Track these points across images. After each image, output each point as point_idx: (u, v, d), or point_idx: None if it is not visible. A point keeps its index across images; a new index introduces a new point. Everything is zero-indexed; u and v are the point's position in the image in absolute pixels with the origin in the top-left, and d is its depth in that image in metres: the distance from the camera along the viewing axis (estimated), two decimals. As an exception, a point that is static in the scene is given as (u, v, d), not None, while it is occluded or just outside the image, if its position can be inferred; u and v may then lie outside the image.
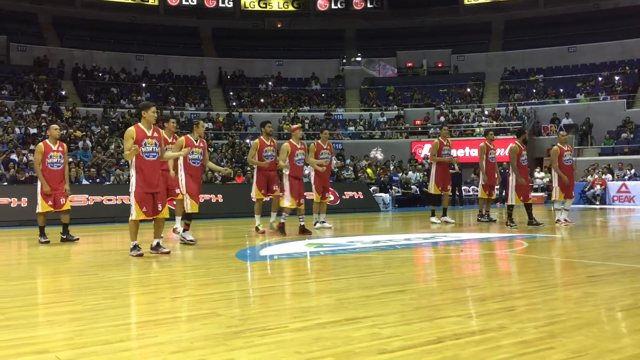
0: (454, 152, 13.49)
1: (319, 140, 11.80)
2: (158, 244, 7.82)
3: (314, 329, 3.82)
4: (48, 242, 9.56)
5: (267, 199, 11.22)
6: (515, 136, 12.68)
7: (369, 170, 23.44)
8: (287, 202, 10.57)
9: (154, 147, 7.50)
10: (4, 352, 3.40)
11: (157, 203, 7.56)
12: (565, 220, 11.97)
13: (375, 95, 34.10)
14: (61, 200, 9.68)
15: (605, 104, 29.40)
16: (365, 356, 3.23)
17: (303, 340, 3.55)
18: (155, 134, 7.57)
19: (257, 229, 10.98)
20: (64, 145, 10.02)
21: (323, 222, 11.92)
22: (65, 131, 19.85)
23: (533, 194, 23.83)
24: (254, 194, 10.92)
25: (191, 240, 9.00)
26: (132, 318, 4.42)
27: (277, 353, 3.31)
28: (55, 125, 10.17)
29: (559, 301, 4.72)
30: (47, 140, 9.79)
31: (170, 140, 9.10)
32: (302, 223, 10.62)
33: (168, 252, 7.77)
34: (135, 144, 7.37)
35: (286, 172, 10.59)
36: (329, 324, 3.93)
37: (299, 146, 10.70)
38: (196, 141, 9.06)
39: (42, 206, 9.57)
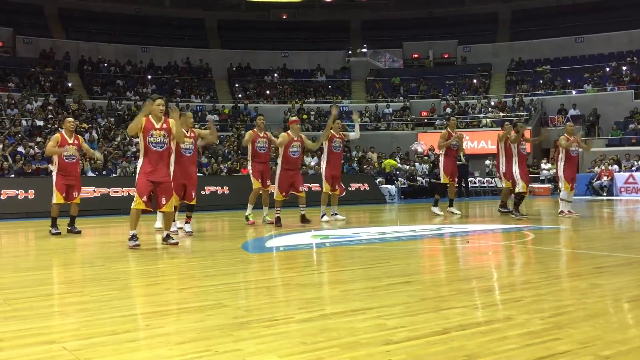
0: (465, 144, 13.47)
1: (332, 130, 11.77)
2: (168, 235, 7.90)
3: (320, 319, 3.82)
4: (59, 233, 9.64)
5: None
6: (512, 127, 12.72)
7: (391, 161, 23.46)
8: (275, 194, 10.73)
9: (162, 139, 7.57)
10: (12, 342, 3.42)
11: (161, 196, 7.60)
12: (569, 211, 11.95)
13: (381, 86, 34.00)
14: (74, 193, 9.81)
15: (613, 94, 29.22)
16: (371, 347, 3.23)
17: (308, 331, 3.55)
18: (165, 125, 7.62)
19: (247, 218, 11.09)
20: (80, 137, 10.09)
21: (335, 214, 11.85)
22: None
23: (539, 185, 23.95)
24: (253, 183, 11.06)
25: (189, 232, 9.18)
26: (138, 309, 4.44)
27: (283, 344, 3.31)
28: (70, 119, 10.25)
29: (565, 292, 4.71)
30: (62, 132, 9.85)
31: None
32: (303, 212, 10.71)
33: (176, 244, 7.82)
34: (142, 133, 7.49)
35: (279, 161, 10.79)
36: (335, 315, 3.94)
37: (295, 138, 10.78)
38: (187, 132, 9.12)
39: (56, 197, 9.67)
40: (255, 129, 11.13)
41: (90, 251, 8.19)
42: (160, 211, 7.81)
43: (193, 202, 9.23)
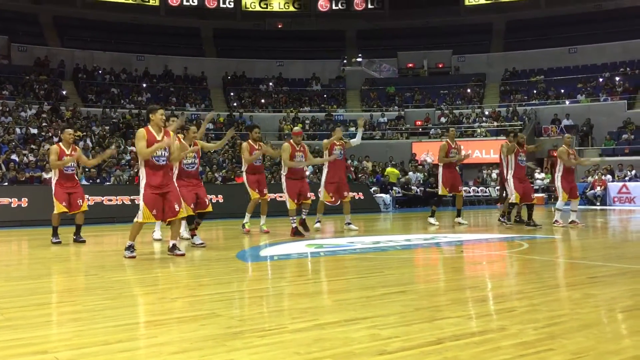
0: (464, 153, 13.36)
1: (333, 139, 11.71)
2: (174, 245, 7.71)
3: (314, 329, 3.81)
4: (59, 242, 9.56)
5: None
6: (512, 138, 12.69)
7: (393, 170, 23.55)
8: (287, 204, 10.65)
9: (163, 152, 7.48)
10: (3, 352, 3.40)
11: (174, 203, 7.48)
12: (574, 221, 12.00)
13: (376, 95, 34.10)
14: (78, 201, 9.72)
15: (606, 104, 29.37)
16: (365, 357, 3.23)
17: (302, 341, 3.55)
18: (165, 138, 7.55)
19: (243, 226, 11.11)
20: (77, 149, 10.05)
21: (349, 223, 11.72)
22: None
23: (534, 194, 23.98)
24: (250, 194, 11.06)
25: (201, 243, 8.94)
26: (131, 319, 4.41)
27: (277, 354, 3.30)
28: (69, 130, 10.20)
29: (559, 302, 4.71)
30: (60, 144, 9.81)
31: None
32: (304, 218, 10.75)
33: (183, 254, 7.68)
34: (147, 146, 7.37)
35: (284, 172, 10.76)
36: (329, 324, 3.93)
37: (297, 148, 10.78)
38: (190, 145, 9.12)
39: (57, 207, 9.60)
40: (250, 140, 11.16)
41: (83, 260, 8.15)
42: (172, 220, 7.59)
43: (209, 209, 9.18)
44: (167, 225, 7.89)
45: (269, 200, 11.52)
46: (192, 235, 9.12)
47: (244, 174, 11.26)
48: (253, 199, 11.04)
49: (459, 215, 12.93)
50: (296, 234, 10.31)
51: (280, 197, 16.61)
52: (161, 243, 9.56)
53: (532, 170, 13.73)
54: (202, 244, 8.89)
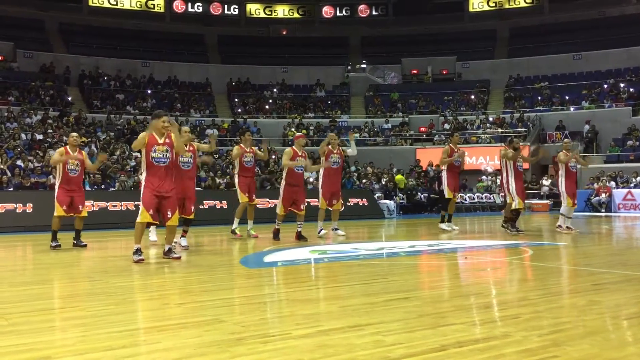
0: (467, 160, 13.47)
1: (330, 146, 11.66)
2: (170, 249, 7.87)
3: (317, 336, 3.81)
4: (59, 246, 9.60)
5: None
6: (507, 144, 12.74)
7: (401, 177, 23.60)
8: (277, 208, 10.79)
9: (165, 154, 7.60)
10: (7, 357, 3.41)
11: (167, 210, 7.61)
12: (568, 227, 11.97)
13: (380, 102, 34.12)
14: (79, 206, 9.80)
15: (611, 111, 29.33)
16: (368, 364, 3.22)
17: (306, 347, 3.54)
18: (167, 140, 7.67)
19: (233, 231, 11.17)
20: (83, 152, 10.13)
21: (336, 229, 11.67)
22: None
23: (538, 201, 23.96)
24: (240, 197, 11.08)
25: (185, 246, 9.12)
26: (135, 324, 4.42)
27: (280, 360, 3.30)
28: (74, 134, 10.31)
29: (563, 309, 4.70)
30: (67, 147, 9.92)
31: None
32: (300, 229, 10.68)
33: (179, 258, 7.81)
34: (146, 149, 7.56)
35: (284, 177, 10.82)
36: (332, 331, 3.92)
37: (300, 153, 10.77)
38: (186, 146, 9.18)
39: (57, 210, 9.66)
40: (242, 144, 11.20)
41: (88, 265, 8.16)
42: (166, 225, 7.73)
43: (191, 217, 9.24)
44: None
45: (256, 205, 11.56)
46: (181, 237, 9.25)
47: (236, 176, 11.27)
48: (242, 203, 11.05)
49: (449, 220, 13.00)
50: (275, 237, 10.56)
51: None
52: (157, 247, 9.59)
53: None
54: (185, 247, 9.10)
